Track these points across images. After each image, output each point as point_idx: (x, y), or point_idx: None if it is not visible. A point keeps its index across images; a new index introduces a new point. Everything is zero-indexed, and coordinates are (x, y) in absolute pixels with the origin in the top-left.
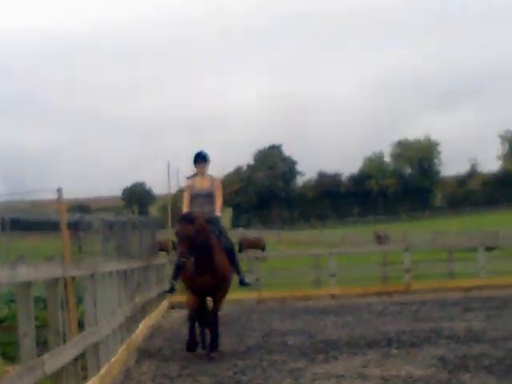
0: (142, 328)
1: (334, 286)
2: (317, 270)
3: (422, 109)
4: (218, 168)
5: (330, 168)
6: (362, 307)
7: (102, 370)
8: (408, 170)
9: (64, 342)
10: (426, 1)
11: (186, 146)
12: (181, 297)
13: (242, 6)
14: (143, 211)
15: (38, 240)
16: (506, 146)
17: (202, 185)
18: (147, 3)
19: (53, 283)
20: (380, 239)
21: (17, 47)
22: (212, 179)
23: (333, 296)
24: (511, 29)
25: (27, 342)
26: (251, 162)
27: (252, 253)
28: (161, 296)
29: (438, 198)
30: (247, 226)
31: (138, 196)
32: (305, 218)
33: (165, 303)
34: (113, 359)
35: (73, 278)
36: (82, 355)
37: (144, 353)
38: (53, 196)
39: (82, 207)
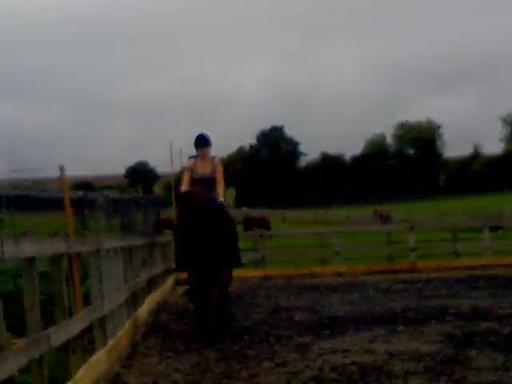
0: (148, 304)
1: (339, 264)
2: (322, 248)
3: (425, 91)
4: (221, 148)
5: (332, 149)
6: (368, 285)
7: (109, 344)
8: (411, 151)
9: (70, 316)
10: None
11: (188, 126)
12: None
13: None
14: (147, 190)
15: (42, 217)
16: (508, 129)
17: (203, 169)
18: None
19: (57, 259)
20: (382, 219)
21: (18, 22)
22: (213, 163)
23: (338, 274)
24: None
25: (33, 316)
26: (254, 142)
27: (257, 231)
28: (166, 273)
29: (441, 180)
30: (251, 205)
31: (141, 175)
32: (309, 198)
33: (170, 279)
34: (119, 334)
35: (77, 254)
36: (89, 330)
37: (151, 328)
38: (56, 173)
39: (85, 185)
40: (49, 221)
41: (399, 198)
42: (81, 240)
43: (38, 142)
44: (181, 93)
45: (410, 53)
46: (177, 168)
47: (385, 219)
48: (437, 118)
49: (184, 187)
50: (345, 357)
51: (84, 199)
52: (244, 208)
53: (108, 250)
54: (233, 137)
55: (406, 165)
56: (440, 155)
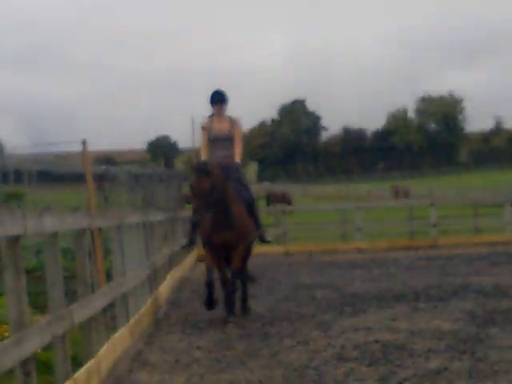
0: (170, 280)
1: (361, 240)
2: (343, 224)
3: (447, 64)
4: (243, 123)
5: (354, 123)
6: (389, 261)
7: (132, 321)
8: (432, 126)
9: (92, 292)
10: None
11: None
12: None
13: None
14: (168, 164)
15: (64, 192)
16: None
17: (220, 128)
18: None
19: (80, 234)
20: (399, 194)
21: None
22: (231, 121)
23: (359, 250)
24: None
25: (55, 292)
26: (275, 116)
27: (278, 207)
28: (185, 248)
29: (463, 154)
30: (273, 180)
31: (163, 149)
32: (330, 172)
33: (192, 255)
34: (142, 310)
35: (99, 229)
36: (111, 306)
37: (172, 304)
38: (77, 148)
39: (107, 159)
40: (70, 196)
41: (420, 173)
42: (103, 215)
43: (59, 117)
44: (203, 67)
45: (432, 26)
46: (198, 143)
47: (402, 194)
48: (459, 92)
49: (203, 152)
50: (367, 335)
51: (106, 174)
52: (266, 183)
53: (130, 225)
54: (255, 111)
55: (428, 139)
56: (461, 130)
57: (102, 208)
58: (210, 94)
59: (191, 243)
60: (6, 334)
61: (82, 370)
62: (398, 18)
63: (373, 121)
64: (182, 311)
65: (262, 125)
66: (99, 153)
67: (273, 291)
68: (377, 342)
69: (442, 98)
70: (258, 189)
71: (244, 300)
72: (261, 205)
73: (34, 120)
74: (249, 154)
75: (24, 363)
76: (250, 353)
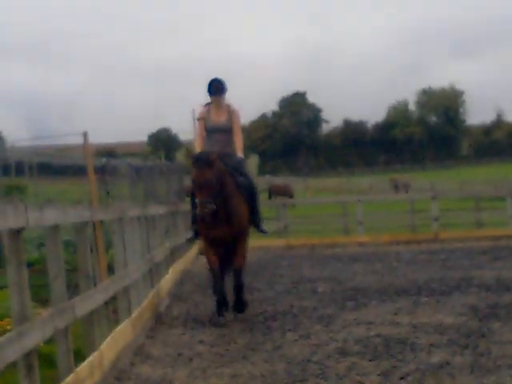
0: (172, 273)
1: (362, 233)
2: (344, 217)
3: (448, 57)
4: (243, 115)
5: (355, 116)
6: (391, 255)
7: (134, 314)
8: (433, 119)
9: (94, 285)
10: None
11: None
12: None
13: None
14: (169, 157)
15: (65, 184)
16: None
17: (217, 117)
18: None
19: (81, 226)
20: (398, 187)
21: None
22: (230, 110)
23: (361, 244)
24: None
25: (57, 285)
26: (276, 108)
27: (279, 200)
28: (190, 241)
29: (464, 147)
30: (273, 173)
31: (163, 142)
32: (331, 165)
33: (194, 249)
34: (143, 304)
35: (101, 222)
36: (113, 299)
37: (174, 297)
38: (78, 140)
39: (108, 152)
40: (72, 188)
41: (421, 166)
42: (104, 208)
43: (59, 109)
44: (204, 58)
45: (434, 18)
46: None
47: (402, 187)
48: (460, 84)
49: (198, 144)
50: (369, 329)
51: (107, 166)
52: (267, 176)
53: (131, 218)
54: (255, 104)
55: (429, 132)
56: (462, 122)
57: (103, 201)
58: (208, 82)
59: (197, 235)
60: (9, 327)
61: (85, 364)
62: (399, 10)
63: (373, 113)
64: (184, 305)
65: (263, 117)
66: (100, 145)
67: (274, 285)
68: (379, 336)
69: (443, 91)
70: (260, 182)
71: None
72: (262, 198)
73: (36, 112)
74: (249, 147)
75: (26, 356)
76: (252, 347)
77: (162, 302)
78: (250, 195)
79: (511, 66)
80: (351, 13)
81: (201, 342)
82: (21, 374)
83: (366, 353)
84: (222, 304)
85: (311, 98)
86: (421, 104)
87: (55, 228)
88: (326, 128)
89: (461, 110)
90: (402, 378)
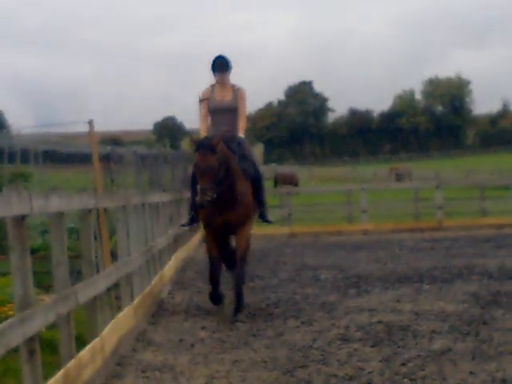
0: (175, 260)
1: (366, 221)
2: (348, 205)
3: (455, 47)
4: (249, 104)
5: (361, 105)
6: (394, 243)
7: (136, 301)
8: (439, 108)
9: (97, 272)
10: None
11: None
12: None
13: None
14: (174, 145)
15: (70, 172)
16: None
17: (222, 96)
18: None
19: (85, 214)
20: (399, 176)
21: None
22: (234, 89)
23: (365, 232)
24: None
25: (60, 272)
26: (282, 97)
27: (284, 188)
28: (183, 227)
29: (470, 137)
30: (279, 161)
31: (169, 130)
32: (336, 154)
33: (197, 236)
34: (146, 290)
35: (105, 210)
36: (116, 286)
37: (177, 284)
38: (84, 128)
39: (113, 140)
40: (77, 176)
41: (427, 155)
42: (109, 195)
43: (66, 97)
44: (211, 47)
45: (441, 7)
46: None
47: (404, 177)
48: (466, 74)
49: (202, 125)
50: (371, 316)
51: (112, 154)
52: (273, 165)
53: (135, 206)
54: (261, 92)
55: (435, 122)
56: (468, 112)
57: (108, 189)
58: (212, 59)
59: (191, 222)
60: (11, 312)
61: (86, 349)
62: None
63: (379, 102)
64: (186, 291)
65: (269, 106)
66: (105, 133)
67: (277, 272)
68: (381, 322)
69: (449, 80)
70: (266, 170)
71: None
72: (268, 186)
73: (42, 100)
74: (255, 136)
75: (28, 342)
76: (254, 333)
77: (164, 288)
78: (255, 181)
79: None
80: (358, 1)
81: (203, 328)
82: (23, 360)
83: (368, 339)
84: (215, 298)
85: (317, 87)
86: (427, 93)
87: (59, 215)
88: (331, 117)
89: (467, 99)
90: (403, 365)
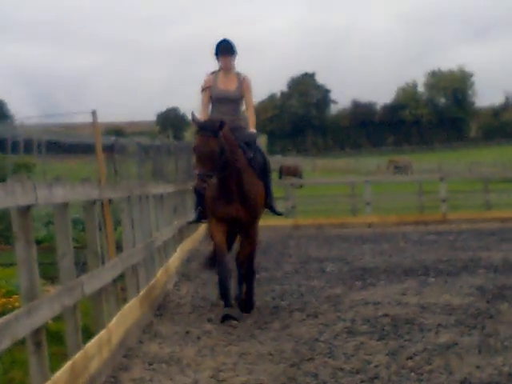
0: (180, 252)
1: (370, 214)
2: (352, 197)
3: (458, 39)
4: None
5: (364, 97)
6: (399, 236)
7: (142, 292)
8: (442, 100)
9: (102, 263)
10: None
11: None
12: None
13: None
14: (178, 136)
15: (74, 162)
16: None
17: (225, 85)
18: None
19: (90, 205)
20: (397, 169)
21: None
22: (240, 79)
23: (369, 225)
24: None
25: (66, 263)
26: (285, 89)
27: (287, 180)
28: (191, 224)
29: (473, 129)
30: (282, 153)
31: (172, 121)
32: (339, 146)
33: (202, 227)
34: (152, 282)
35: (109, 201)
36: (122, 277)
37: (182, 276)
38: (87, 119)
39: (117, 131)
40: (80, 166)
41: (430, 147)
42: (113, 186)
43: (69, 88)
44: (215, 37)
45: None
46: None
47: (403, 170)
48: (469, 66)
49: (202, 110)
50: (377, 309)
51: (115, 145)
52: (278, 156)
53: (140, 197)
54: (264, 84)
55: (437, 114)
56: (471, 104)
57: (111, 179)
58: (216, 43)
59: (199, 218)
60: (17, 304)
61: (93, 341)
62: None
63: (382, 95)
64: (192, 283)
65: (272, 98)
66: (109, 124)
67: (282, 264)
68: (386, 316)
69: (451, 73)
70: (271, 161)
71: (248, 293)
72: (273, 177)
73: (45, 91)
74: (257, 127)
75: (35, 333)
76: (260, 325)
77: (170, 280)
78: (263, 172)
79: None
80: None
81: (209, 320)
82: (29, 351)
83: (374, 332)
84: (226, 298)
85: (320, 79)
86: (430, 86)
87: (64, 206)
88: (334, 109)
89: (470, 92)
90: (409, 358)
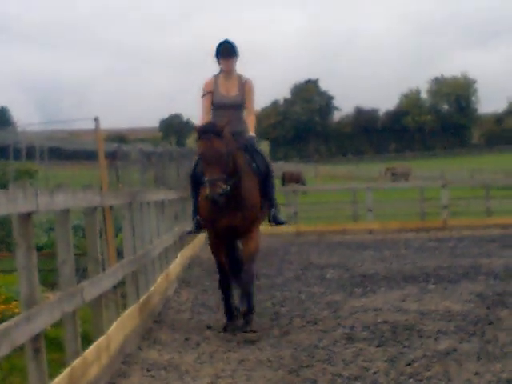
0: (181, 258)
1: (372, 220)
2: (354, 204)
3: (460, 45)
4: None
5: (367, 104)
6: (400, 242)
7: (141, 299)
8: (445, 107)
9: (103, 270)
10: None
11: None
12: None
13: None
14: (180, 143)
15: (76, 169)
16: None
17: (227, 90)
18: None
19: (91, 211)
20: (395, 176)
21: None
22: (241, 82)
23: (370, 231)
24: None
25: (66, 269)
26: (288, 96)
27: (289, 187)
28: (190, 234)
29: (475, 136)
30: (284, 159)
31: (175, 128)
32: (341, 152)
33: (203, 235)
34: (152, 288)
35: (111, 207)
36: (122, 284)
37: (183, 283)
38: (90, 126)
39: (119, 137)
40: (83, 173)
41: (432, 154)
42: (114, 193)
43: (72, 94)
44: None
45: (447, 6)
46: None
47: (401, 177)
48: (472, 73)
49: (203, 116)
50: (376, 315)
51: (118, 152)
52: (280, 162)
53: (141, 204)
54: (267, 90)
55: (440, 120)
56: (474, 111)
57: (113, 186)
58: (217, 45)
59: (197, 228)
60: (16, 310)
61: (92, 348)
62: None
63: (385, 101)
64: (192, 290)
65: (275, 104)
66: (111, 131)
67: (283, 271)
68: (386, 322)
69: (454, 79)
70: (274, 168)
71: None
72: (276, 184)
73: (47, 97)
74: (260, 134)
75: (34, 340)
76: (259, 332)
77: (170, 286)
78: (265, 178)
79: None
80: (366, 1)
81: (208, 326)
82: (28, 358)
83: (373, 339)
84: (230, 314)
85: (323, 86)
86: (433, 92)
87: (65, 212)
88: (337, 115)
89: (473, 98)
90: (408, 365)
